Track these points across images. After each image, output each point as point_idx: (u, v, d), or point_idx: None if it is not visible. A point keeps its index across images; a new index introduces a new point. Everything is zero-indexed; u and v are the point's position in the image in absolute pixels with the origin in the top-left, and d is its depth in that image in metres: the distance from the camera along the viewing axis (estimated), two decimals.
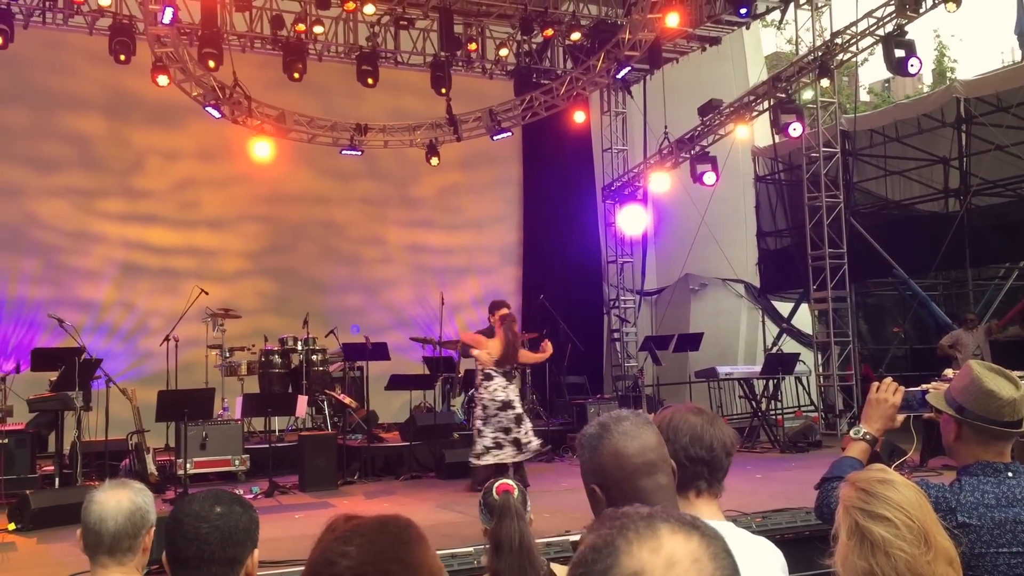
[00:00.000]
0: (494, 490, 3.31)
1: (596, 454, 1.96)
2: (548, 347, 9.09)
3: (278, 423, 11.14)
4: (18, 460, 8.52)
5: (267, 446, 9.90)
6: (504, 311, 8.75)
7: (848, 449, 2.79)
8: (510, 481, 3.38)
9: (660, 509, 1.09)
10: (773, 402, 12.51)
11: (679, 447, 2.22)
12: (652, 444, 1.97)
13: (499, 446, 8.36)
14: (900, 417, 2.78)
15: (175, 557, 2.26)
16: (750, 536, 2.23)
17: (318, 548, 1.51)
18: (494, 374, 8.51)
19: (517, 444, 8.38)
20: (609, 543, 1.03)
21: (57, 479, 8.73)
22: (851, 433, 2.84)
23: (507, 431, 8.39)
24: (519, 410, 8.56)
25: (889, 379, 2.84)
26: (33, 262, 12.48)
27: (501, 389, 8.47)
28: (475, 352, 8.75)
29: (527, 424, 8.60)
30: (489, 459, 8.33)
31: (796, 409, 13.19)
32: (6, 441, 8.47)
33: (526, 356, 9.42)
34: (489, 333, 8.92)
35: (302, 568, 1.67)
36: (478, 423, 8.52)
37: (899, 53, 11.56)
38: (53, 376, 9.13)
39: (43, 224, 12.68)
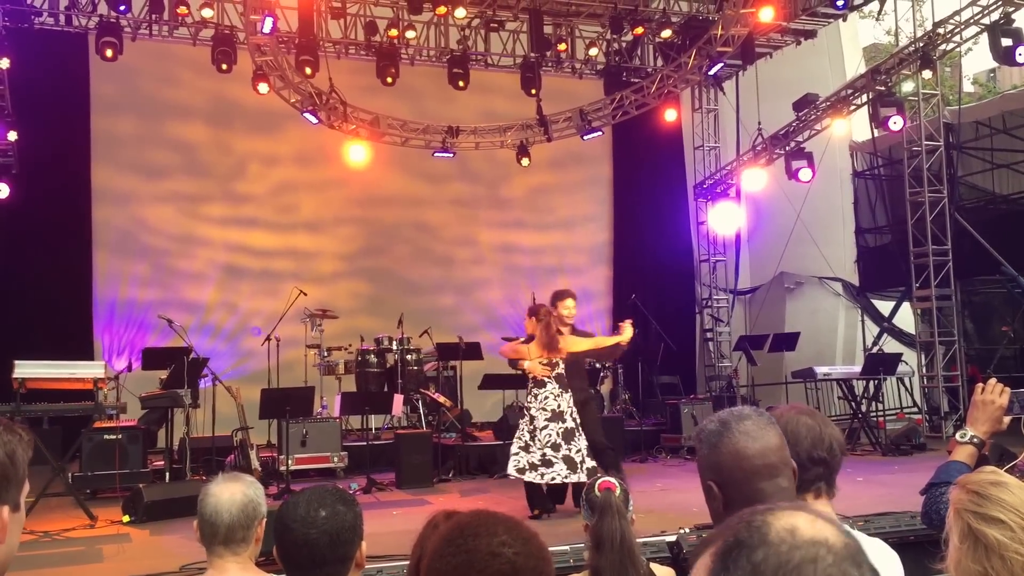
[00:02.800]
0: (596, 487, 3.33)
1: (715, 452, 1.89)
2: (626, 329, 7.85)
3: (374, 421, 11.36)
4: (131, 455, 8.87)
5: (364, 444, 10.11)
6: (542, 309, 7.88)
7: (955, 453, 2.73)
8: (612, 479, 3.40)
9: (797, 503, 1.10)
10: (874, 403, 12.19)
11: (801, 449, 2.18)
12: (774, 446, 1.89)
13: (548, 463, 7.35)
14: (1007, 419, 2.71)
15: (287, 560, 2.33)
16: (866, 538, 2.19)
17: (447, 547, 1.48)
18: (546, 381, 7.58)
19: (571, 464, 7.32)
20: (759, 513, 1.07)
21: (167, 473, 9.09)
22: (957, 436, 2.77)
23: (556, 447, 7.36)
24: (570, 424, 7.47)
25: (994, 380, 2.77)
26: (143, 265, 13.01)
27: (553, 398, 7.52)
28: (523, 364, 7.77)
29: (581, 441, 7.46)
30: (534, 477, 7.39)
31: (898, 411, 12.80)
32: (120, 436, 8.82)
33: (578, 343, 7.94)
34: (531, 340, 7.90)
35: (405, 563, 1.68)
36: (525, 435, 7.55)
37: (1006, 42, 11.10)
38: (163, 374, 9.51)
39: (151, 228, 13.21)
